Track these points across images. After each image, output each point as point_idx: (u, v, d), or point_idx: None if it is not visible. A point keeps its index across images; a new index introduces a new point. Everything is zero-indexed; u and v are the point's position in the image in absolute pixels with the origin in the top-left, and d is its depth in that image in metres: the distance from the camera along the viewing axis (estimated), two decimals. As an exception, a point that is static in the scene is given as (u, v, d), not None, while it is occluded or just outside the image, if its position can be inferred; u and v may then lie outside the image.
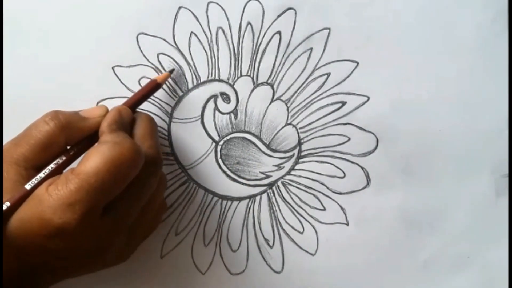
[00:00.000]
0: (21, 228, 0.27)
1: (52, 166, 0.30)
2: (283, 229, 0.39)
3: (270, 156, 0.39)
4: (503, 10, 0.39)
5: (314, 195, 0.39)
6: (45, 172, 0.30)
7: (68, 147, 0.32)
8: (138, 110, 0.35)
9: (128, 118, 0.32)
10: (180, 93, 0.38)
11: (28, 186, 0.29)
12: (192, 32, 0.37)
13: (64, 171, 0.31)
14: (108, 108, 0.33)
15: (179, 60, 0.38)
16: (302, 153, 0.39)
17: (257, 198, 0.39)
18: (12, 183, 0.29)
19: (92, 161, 0.27)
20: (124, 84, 0.37)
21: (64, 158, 0.31)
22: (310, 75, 0.38)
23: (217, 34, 0.38)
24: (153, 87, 0.35)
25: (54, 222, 0.27)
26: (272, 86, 0.38)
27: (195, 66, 0.38)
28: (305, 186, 0.39)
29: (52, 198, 0.27)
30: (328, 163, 0.39)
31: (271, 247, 0.39)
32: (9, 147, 0.30)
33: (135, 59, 0.37)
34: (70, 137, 0.31)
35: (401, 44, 0.38)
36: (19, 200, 0.28)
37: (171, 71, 0.37)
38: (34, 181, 0.29)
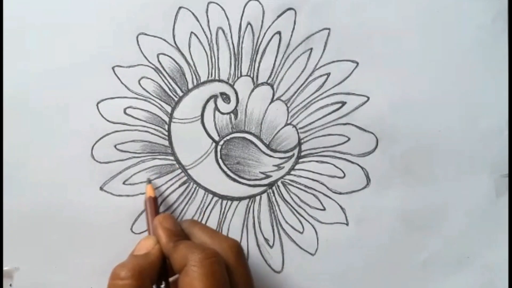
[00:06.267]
0: None
1: None
2: (283, 229, 0.39)
3: (270, 156, 0.39)
4: (503, 11, 0.39)
5: (314, 195, 0.39)
6: None
7: None
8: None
9: (175, 225, 0.34)
10: (180, 93, 0.38)
11: None
12: (192, 32, 0.37)
13: None
14: (153, 238, 0.33)
15: (179, 60, 0.38)
16: (302, 153, 0.39)
17: (257, 198, 0.39)
18: None
19: None
20: (124, 84, 0.37)
21: None
22: (310, 75, 0.38)
23: (217, 34, 0.38)
24: (155, 202, 0.36)
25: None
26: (272, 86, 0.38)
27: (195, 66, 0.38)
28: (305, 186, 0.39)
29: None
30: (328, 163, 0.39)
31: (271, 247, 0.39)
32: None
33: (135, 59, 0.37)
34: (152, 278, 0.31)
35: (401, 44, 0.38)
36: None
37: (149, 181, 0.37)
38: None
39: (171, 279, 0.33)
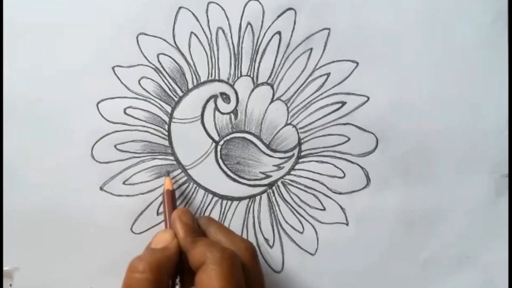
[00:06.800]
0: None
1: None
2: (283, 229, 0.39)
3: (270, 156, 0.39)
4: (503, 11, 0.39)
5: (314, 195, 0.39)
6: None
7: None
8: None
9: (193, 220, 0.34)
10: (180, 93, 0.38)
11: None
12: (192, 32, 0.37)
13: None
14: (171, 231, 0.33)
15: (179, 60, 0.38)
16: (302, 153, 0.39)
17: (257, 198, 0.39)
18: None
19: None
20: (124, 84, 0.37)
21: None
22: (310, 75, 0.38)
23: (217, 34, 0.38)
24: (173, 195, 0.36)
25: None
26: (272, 86, 0.38)
27: (195, 66, 0.38)
28: (305, 186, 0.39)
29: None
30: (328, 163, 0.39)
31: (271, 247, 0.39)
32: None
33: (135, 59, 0.37)
34: (169, 272, 0.31)
35: (401, 45, 0.38)
36: None
37: (167, 173, 0.37)
38: None
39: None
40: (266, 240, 0.39)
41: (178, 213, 0.34)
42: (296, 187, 0.39)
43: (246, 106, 0.38)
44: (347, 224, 0.39)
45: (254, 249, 0.33)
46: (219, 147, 0.38)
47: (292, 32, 0.38)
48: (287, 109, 0.39)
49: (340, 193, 0.39)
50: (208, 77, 0.38)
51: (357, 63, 0.38)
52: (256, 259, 0.33)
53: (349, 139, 0.39)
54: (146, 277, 0.29)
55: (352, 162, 0.39)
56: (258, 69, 0.38)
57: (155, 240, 0.33)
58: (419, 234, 0.39)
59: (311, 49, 0.38)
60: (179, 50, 0.38)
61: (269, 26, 0.38)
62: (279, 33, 0.38)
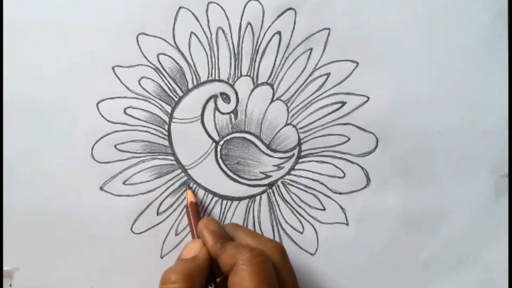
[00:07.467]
0: None
1: None
2: (283, 229, 0.39)
3: (270, 156, 0.39)
4: (503, 10, 0.39)
5: (314, 195, 0.39)
6: None
7: None
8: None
9: (219, 227, 0.34)
10: (180, 93, 0.38)
11: None
12: (192, 32, 0.37)
13: None
14: (199, 241, 0.34)
15: (179, 60, 0.38)
16: (302, 153, 0.39)
17: (257, 198, 0.39)
18: None
19: None
20: (124, 84, 0.37)
21: None
22: (310, 75, 0.38)
23: (217, 34, 0.38)
24: (196, 207, 0.37)
25: None
26: (272, 86, 0.38)
27: (195, 66, 0.38)
28: (305, 186, 0.39)
29: None
30: (328, 163, 0.39)
31: (271, 247, 0.39)
32: None
33: (135, 59, 0.37)
34: (201, 280, 0.32)
35: (401, 44, 0.38)
36: None
37: (188, 186, 0.38)
38: None
39: (218, 279, 0.33)
40: (266, 240, 0.39)
41: (204, 222, 0.34)
42: (296, 187, 0.39)
43: (246, 106, 0.38)
44: (347, 224, 0.39)
45: (283, 248, 0.33)
46: (219, 147, 0.38)
47: (292, 32, 0.38)
48: (287, 109, 0.39)
49: (340, 193, 0.39)
50: (208, 77, 0.38)
51: (357, 63, 0.38)
52: (286, 258, 0.33)
53: (349, 139, 0.39)
54: (178, 287, 0.30)
55: (352, 162, 0.39)
56: (258, 69, 0.38)
57: (185, 251, 0.33)
58: (419, 234, 0.39)
59: (311, 49, 0.38)
60: (179, 50, 0.38)
61: (269, 26, 0.38)
62: (279, 33, 0.38)
